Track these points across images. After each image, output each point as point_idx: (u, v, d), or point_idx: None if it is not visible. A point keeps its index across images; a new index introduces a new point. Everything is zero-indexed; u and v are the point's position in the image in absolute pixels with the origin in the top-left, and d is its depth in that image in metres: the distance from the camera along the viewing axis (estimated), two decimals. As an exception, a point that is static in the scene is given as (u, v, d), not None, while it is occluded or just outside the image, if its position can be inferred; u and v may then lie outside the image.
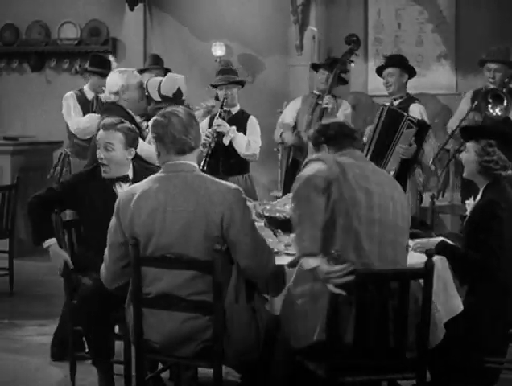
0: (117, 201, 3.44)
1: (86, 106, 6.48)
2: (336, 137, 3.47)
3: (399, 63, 5.94)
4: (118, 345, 4.09)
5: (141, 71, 6.65)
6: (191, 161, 3.41)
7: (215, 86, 5.95)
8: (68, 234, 4.30)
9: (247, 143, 5.69)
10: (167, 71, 6.72)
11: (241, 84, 5.97)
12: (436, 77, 6.13)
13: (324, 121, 3.70)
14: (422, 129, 5.59)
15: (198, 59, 8.04)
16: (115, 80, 5.13)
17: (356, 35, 5.70)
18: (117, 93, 5.09)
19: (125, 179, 4.28)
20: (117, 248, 3.43)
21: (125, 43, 8.97)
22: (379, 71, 6.03)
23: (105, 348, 4.01)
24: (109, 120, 4.34)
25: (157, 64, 6.80)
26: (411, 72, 5.98)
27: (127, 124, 4.33)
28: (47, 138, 8.37)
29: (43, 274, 6.86)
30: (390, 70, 5.88)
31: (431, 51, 7.62)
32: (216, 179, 3.40)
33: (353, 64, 5.50)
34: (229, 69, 6.15)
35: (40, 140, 8.38)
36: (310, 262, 3.08)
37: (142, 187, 3.38)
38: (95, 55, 7.00)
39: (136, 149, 4.34)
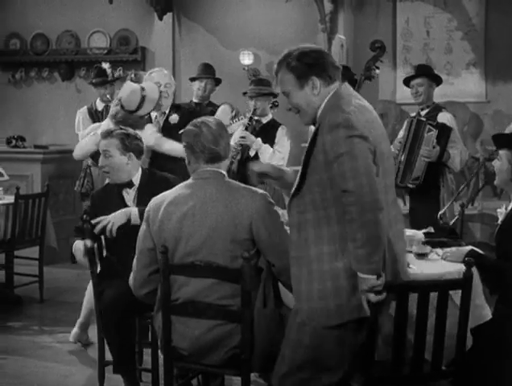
0: (146, 208, 3.50)
1: (97, 117, 6.65)
2: (325, 65, 3.02)
3: (428, 73, 5.92)
4: (147, 352, 4.09)
5: (192, 80, 6.73)
6: (220, 169, 3.46)
7: (247, 95, 5.99)
8: (97, 242, 4.31)
9: (271, 154, 5.71)
10: (217, 80, 6.75)
11: (273, 95, 5.96)
12: (466, 85, 6.10)
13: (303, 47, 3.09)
14: (442, 131, 5.58)
15: (226, 68, 8.05)
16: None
17: (381, 41, 5.65)
18: None
19: (129, 185, 4.33)
20: (146, 255, 3.47)
21: (155, 51, 9.03)
22: (406, 81, 6.00)
23: (127, 356, 4.01)
24: (107, 128, 4.47)
25: (207, 73, 6.77)
26: (439, 81, 5.95)
27: (126, 130, 4.38)
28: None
29: (72, 281, 6.91)
30: (419, 80, 5.84)
31: (461, 58, 7.59)
32: (244, 185, 3.47)
33: (378, 71, 5.47)
34: (262, 80, 6.14)
35: (70, 148, 8.42)
36: (372, 282, 2.86)
37: (172, 194, 3.44)
38: (94, 67, 7.09)
39: (141, 155, 4.38)
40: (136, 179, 4.32)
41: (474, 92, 7.67)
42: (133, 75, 7.99)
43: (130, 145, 4.30)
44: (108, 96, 6.75)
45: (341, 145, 2.82)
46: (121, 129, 4.38)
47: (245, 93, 6.07)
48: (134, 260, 3.55)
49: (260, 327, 3.29)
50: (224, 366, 3.37)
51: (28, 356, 5.07)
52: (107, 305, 3.92)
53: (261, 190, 3.42)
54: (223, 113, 5.92)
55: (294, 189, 3.00)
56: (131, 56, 9.06)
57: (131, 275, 3.59)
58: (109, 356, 4.24)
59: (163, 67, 8.89)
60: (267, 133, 5.80)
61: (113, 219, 4.11)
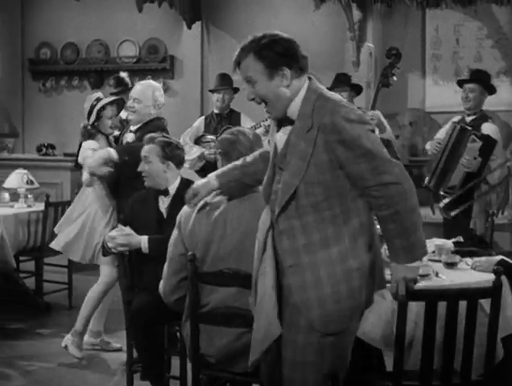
0: (179, 214, 3.53)
1: (121, 126, 6.70)
2: (297, 56, 2.92)
3: (483, 81, 5.81)
4: (176, 360, 4.09)
5: (211, 92, 6.79)
6: None
7: None
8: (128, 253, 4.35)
9: None
10: (235, 89, 6.78)
11: None
12: (496, 94, 6.05)
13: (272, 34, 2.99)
14: (487, 143, 5.48)
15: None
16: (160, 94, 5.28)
17: (396, 48, 5.60)
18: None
19: (165, 193, 4.36)
20: (177, 261, 3.50)
21: (183, 60, 9.07)
22: (460, 83, 5.92)
23: (155, 362, 4.02)
24: (151, 134, 4.50)
25: (224, 84, 6.81)
26: (492, 91, 5.86)
27: (169, 139, 4.46)
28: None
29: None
30: (471, 85, 5.73)
31: (491, 67, 7.50)
32: None
33: (395, 78, 5.42)
34: None
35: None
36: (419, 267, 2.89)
37: (205, 200, 3.46)
38: (112, 77, 7.14)
39: (181, 165, 4.41)
40: (173, 188, 4.34)
41: (505, 100, 7.59)
42: (162, 84, 8.06)
43: (170, 153, 4.34)
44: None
45: (365, 141, 2.76)
46: (164, 136, 4.43)
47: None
48: (165, 267, 3.58)
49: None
50: (251, 374, 3.36)
51: (57, 363, 5.11)
52: (136, 311, 3.95)
53: None
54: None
55: (284, 196, 2.85)
56: (160, 65, 9.10)
57: (161, 281, 3.61)
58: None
59: (192, 75, 9.00)
60: None
61: (130, 245, 4.21)
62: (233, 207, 3.40)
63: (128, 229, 4.23)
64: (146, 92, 5.20)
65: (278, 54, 2.87)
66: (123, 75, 6.83)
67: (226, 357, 3.36)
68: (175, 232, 3.54)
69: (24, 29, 9.73)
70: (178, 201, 4.21)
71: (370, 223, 2.91)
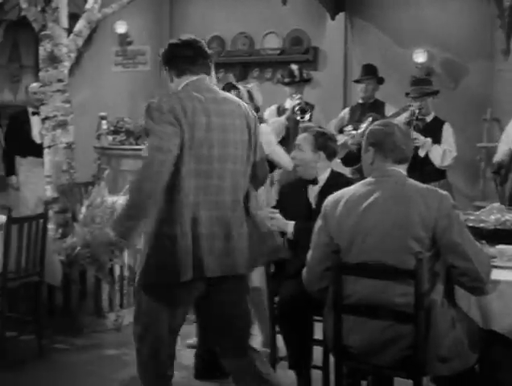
0: (324, 204, 3.55)
1: (283, 114, 6.81)
2: (174, 60, 3.44)
3: None
4: (317, 350, 4.12)
5: (355, 82, 6.82)
6: (402, 170, 3.49)
7: (409, 96, 5.99)
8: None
9: (442, 155, 5.66)
10: (380, 80, 6.77)
11: (435, 94, 5.92)
12: None
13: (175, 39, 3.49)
14: None
15: (399, 67, 7.97)
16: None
17: None
18: None
19: (314, 182, 4.39)
20: (321, 250, 3.51)
21: (326, 51, 9.07)
22: None
23: (303, 353, 4.06)
24: (308, 124, 4.53)
25: (368, 74, 6.83)
26: None
27: (324, 129, 4.49)
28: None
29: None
30: None
31: None
32: (427, 185, 3.46)
33: None
34: (423, 79, 6.12)
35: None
36: None
37: (351, 191, 3.49)
38: (287, 68, 7.22)
39: (332, 157, 4.42)
40: (322, 179, 4.37)
41: None
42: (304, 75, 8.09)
43: (323, 144, 4.37)
44: (294, 94, 6.90)
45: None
46: (320, 127, 4.49)
47: (407, 94, 6.08)
48: (309, 256, 3.60)
49: (437, 329, 3.25)
50: (394, 367, 3.35)
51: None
52: (285, 303, 3.99)
53: (444, 191, 3.41)
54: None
55: None
56: (303, 56, 9.14)
57: (304, 271, 3.64)
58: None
59: (335, 66, 8.99)
60: (431, 130, 5.80)
61: (274, 223, 4.21)
62: (381, 198, 3.38)
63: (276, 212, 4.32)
64: None
65: (163, 56, 3.50)
66: (293, 67, 6.94)
67: (370, 349, 3.34)
68: (319, 222, 3.55)
69: (172, 23, 10.03)
70: (326, 192, 4.22)
71: None
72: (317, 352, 4.10)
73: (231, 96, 3.59)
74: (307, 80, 7.22)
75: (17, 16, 9.02)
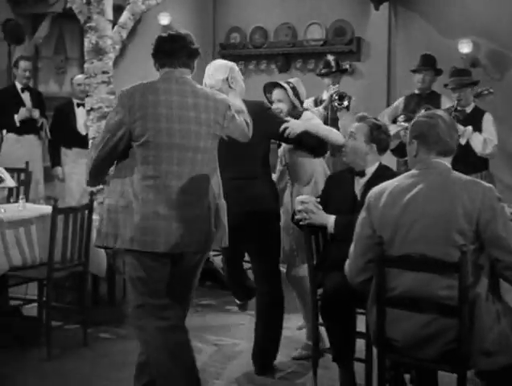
0: (368, 196, 3.55)
1: (320, 105, 6.80)
2: (156, 53, 3.79)
3: None
4: (360, 342, 4.11)
5: (412, 72, 6.76)
6: (447, 162, 3.47)
7: (448, 87, 5.97)
8: (315, 236, 4.40)
9: (483, 142, 5.66)
10: (437, 71, 6.71)
11: (475, 84, 5.91)
12: None
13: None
14: None
15: (443, 58, 7.86)
16: None
17: None
18: None
19: (361, 174, 4.38)
20: (364, 242, 3.50)
21: (370, 42, 9.01)
22: None
23: (347, 346, 4.05)
24: (364, 113, 4.52)
25: (426, 65, 6.77)
26: None
27: (379, 122, 4.48)
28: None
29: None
30: None
31: None
32: (471, 177, 3.44)
33: None
34: (462, 70, 6.09)
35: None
36: None
37: (395, 183, 3.48)
38: (323, 59, 7.18)
39: (383, 151, 4.39)
40: (370, 171, 4.36)
41: None
42: (348, 67, 8.07)
43: (377, 137, 4.36)
44: (331, 85, 6.87)
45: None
46: (376, 119, 4.48)
47: (446, 85, 6.05)
48: (351, 248, 3.59)
49: (481, 322, 3.23)
50: (438, 361, 3.33)
51: (246, 340, 5.17)
52: (328, 295, 3.98)
53: (489, 184, 3.38)
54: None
55: None
56: (346, 47, 9.09)
57: (347, 262, 3.64)
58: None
59: (379, 57, 8.92)
60: (472, 120, 5.79)
61: (313, 218, 4.26)
62: (425, 190, 3.36)
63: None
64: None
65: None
66: (330, 58, 6.92)
67: (413, 342, 3.33)
68: (363, 213, 3.55)
69: (216, 14, 10.05)
70: (373, 185, 4.20)
71: None
72: (360, 345, 4.09)
73: (205, 90, 3.85)
74: (344, 71, 7.17)
75: (62, 8, 9.10)
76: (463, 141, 5.72)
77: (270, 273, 4.69)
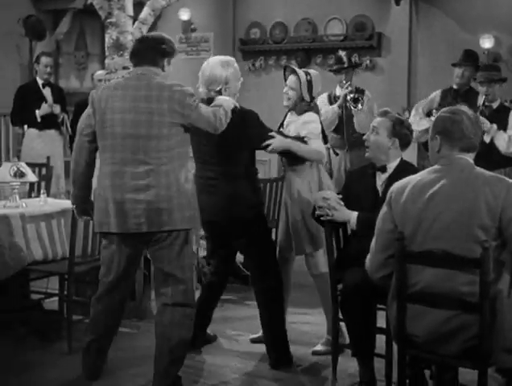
0: (390, 190, 3.54)
1: (335, 102, 6.80)
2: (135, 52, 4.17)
3: None
4: (380, 338, 4.10)
5: (453, 65, 6.70)
6: (470, 159, 3.46)
7: (476, 81, 5.92)
8: (335, 232, 4.40)
9: (508, 141, 5.61)
10: (478, 68, 6.66)
11: (503, 81, 5.85)
12: None
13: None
14: None
15: (465, 53, 7.84)
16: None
17: None
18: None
19: (383, 170, 4.37)
20: (385, 237, 3.50)
21: (391, 37, 8.97)
22: None
23: (366, 341, 4.04)
24: (386, 108, 4.51)
25: (466, 60, 6.66)
26: None
27: (402, 117, 4.50)
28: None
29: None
30: None
31: None
32: (494, 173, 3.42)
33: None
34: (491, 65, 6.05)
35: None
36: None
37: (418, 178, 3.47)
38: (335, 55, 7.17)
39: (406, 147, 4.37)
40: (391, 167, 4.35)
41: None
42: (368, 62, 8.05)
43: (399, 132, 4.35)
44: (344, 81, 6.87)
45: None
46: (398, 114, 4.49)
47: (474, 79, 6.01)
48: (372, 243, 3.59)
49: (503, 319, 3.21)
50: (459, 357, 3.31)
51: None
52: (349, 290, 3.98)
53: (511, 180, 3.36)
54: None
55: None
56: (367, 42, 9.07)
57: (367, 257, 3.63)
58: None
59: (399, 52, 8.88)
60: (497, 117, 5.74)
61: (335, 215, 4.26)
62: (448, 186, 3.35)
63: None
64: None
65: None
66: (341, 53, 6.90)
67: (434, 338, 3.32)
68: (384, 208, 3.54)
69: (236, 9, 10.05)
70: (394, 180, 4.19)
71: None
72: (380, 341, 4.08)
73: (161, 83, 4.04)
74: (356, 66, 7.15)
75: (83, 4, 9.15)
76: (487, 139, 5.67)
77: (260, 271, 4.72)
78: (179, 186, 4.02)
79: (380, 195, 4.29)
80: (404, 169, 4.26)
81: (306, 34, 9.54)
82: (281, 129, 4.99)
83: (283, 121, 5.06)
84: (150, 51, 4.11)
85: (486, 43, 8.15)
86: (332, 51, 9.32)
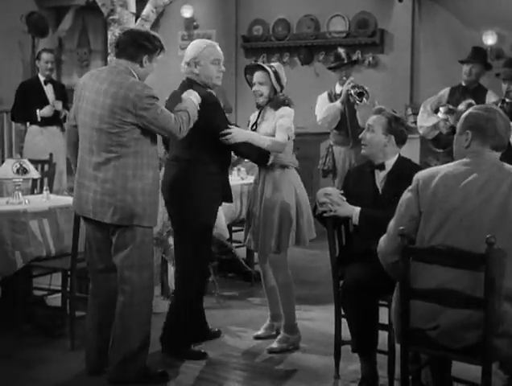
0: (415, 178, 3.49)
1: (335, 100, 6.83)
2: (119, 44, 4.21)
3: None
4: (383, 334, 4.10)
5: (461, 62, 6.68)
6: (497, 157, 3.48)
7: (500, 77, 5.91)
8: (337, 229, 4.39)
9: None
10: (488, 66, 6.65)
11: None
12: None
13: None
14: None
15: (467, 49, 7.81)
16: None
17: None
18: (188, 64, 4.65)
19: (381, 167, 4.34)
20: (407, 223, 3.44)
21: (394, 34, 8.97)
22: None
23: (368, 337, 4.04)
24: (380, 106, 4.51)
25: (475, 57, 6.67)
26: None
27: (397, 114, 4.45)
28: (314, 130, 8.58)
29: (307, 261, 7.09)
30: None
31: None
32: None
33: None
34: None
35: (309, 131, 8.59)
36: None
37: (447, 169, 3.46)
38: (333, 52, 7.17)
39: (402, 143, 4.36)
40: (389, 164, 4.34)
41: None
42: (371, 59, 8.03)
43: (395, 128, 4.34)
44: (344, 78, 6.87)
45: None
46: (393, 111, 4.47)
47: (497, 74, 5.96)
48: (391, 225, 3.54)
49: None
50: (463, 353, 3.30)
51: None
52: (350, 286, 3.98)
53: None
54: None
55: None
56: (369, 39, 9.07)
57: (381, 239, 3.59)
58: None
59: (402, 49, 8.88)
60: None
61: (338, 210, 4.24)
62: (481, 180, 3.35)
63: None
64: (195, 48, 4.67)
65: None
66: (340, 50, 6.90)
67: (438, 334, 3.30)
68: (408, 194, 3.49)
69: (238, 6, 10.04)
70: (393, 178, 4.20)
71: None
72: (383, 337, 4.08)
73: (124, 81, 4.06)
74: (355, 62, 7.14)
75: (85, 1, 9.16)
76: None
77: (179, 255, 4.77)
78: (126, 182, 4.07)
79: (380, 192, 4.29)
80: (403, 165, 4.28)
81: (308, 31, 9.54)
82: (253, 128, 4.92)
83: (257, 120, 4.96)
84: (130, 45, 4.15)
85: (489, 39, 8.14)
86: (334, 48, 9.30)
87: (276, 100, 4.83)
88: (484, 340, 3.19)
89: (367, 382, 4.09)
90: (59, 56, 9.74)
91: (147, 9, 6.12)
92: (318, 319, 5.45)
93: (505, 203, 3.28)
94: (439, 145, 6.44)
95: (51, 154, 6.95)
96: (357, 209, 4.23)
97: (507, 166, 3.42)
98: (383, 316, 4.03)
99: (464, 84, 6.64)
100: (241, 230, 6.67)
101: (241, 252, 6.62)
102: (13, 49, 9.48)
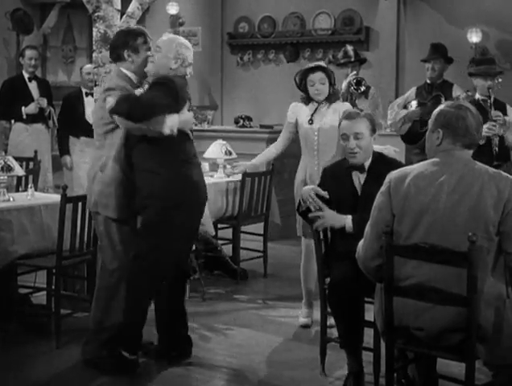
0: (386, 180, 3.48)
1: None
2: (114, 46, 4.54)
3: None
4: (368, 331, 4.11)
5: (423, 61, 6.74)
6: (468, 155, 3.45)
7: (471, 74, 5.86)
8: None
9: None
10: (449, 60, 6.69)
11: (501, 73, 5.85)
12: None
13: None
14: None
15: (452, 47, 7.83)
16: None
17: None
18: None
19: (361, 169, 4.32)
20: (382, 226, 3.43)
21: (379, 31, 8.98)
22: None
23: (354, 333, 4.05)
24: (355, 110, 4.51)
25: (434, 53, 6.79)
26: None
27: (368, 111, 4.58)
28: (300, 127, 8.58)
29: (295, 258, 7.07)
30: None
31: None
32: (496, 170, 3.41)
33: None
34: (489, 59, 6.04)
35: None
36: None
37: (418, 169, 3.44)
38: (342, 49, 7.14)
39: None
40: (367, 163, 4.32)
41: None
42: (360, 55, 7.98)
43: (374, 125, 4.36)
44: (349, 73, 6.87)
45: None
46: (360, 110, 4.48)
47: (471, 74, 5.95)
48: (367, 231, 3.55)
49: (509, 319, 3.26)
50: (447, 350, 3.32)
51: (253, 329, 5.28)
52: (336, 284, 3.98)
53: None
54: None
55: None
56: (355, 37, 9.07)
57: (359, 246, 3.60)
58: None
59: (387, 46, 8.89)
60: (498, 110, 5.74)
61: (328, 221, 4.23)
62: (453, 180, 3.33)
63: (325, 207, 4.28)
64: (171, 43, 4.50)
65: None
66: (348, 48, 6.90)
67: (423, 332, 3.32)
68: (381, 197, 3.48)
69: (224, 3, 10.03)
70: (373, 177, 4.17)
71: None
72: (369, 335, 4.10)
73: (105, 85, 4.49)
74: (363, 61, 7.15)
75: (70, -2, 9.11)
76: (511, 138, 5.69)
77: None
78: (96, 172, 4.44)
79: (359, 193, 4.28)
80: (380, 160, 4.28)
81: (294, 28, 9.54)
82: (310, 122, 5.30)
83: (313, 113, 5.30)
84: (113, 49, 4.52)
85: (474, 37, 8.16)
86: (320, 45, 9.35)
87: (332, 96, 5.27)
88: (467, 338, 3.21)
89: (353, 378, 4.09)
90: (44, 53, 9.69)
91: (132, 6, 6.09)
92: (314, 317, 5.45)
93: (477, 203, 3.26)
94: (411, 141, 6.51)
95: (35, 152, 6.92)
96: (349, 217, 4.20)
97: (479, 165, 3.40)
98: (369, 313, 4.04)
99: (428, 81, 6.74)
100: (228, 227, 6.71)
101: (227, 250, 6.63)
102: (-3, 46, 9.43)
